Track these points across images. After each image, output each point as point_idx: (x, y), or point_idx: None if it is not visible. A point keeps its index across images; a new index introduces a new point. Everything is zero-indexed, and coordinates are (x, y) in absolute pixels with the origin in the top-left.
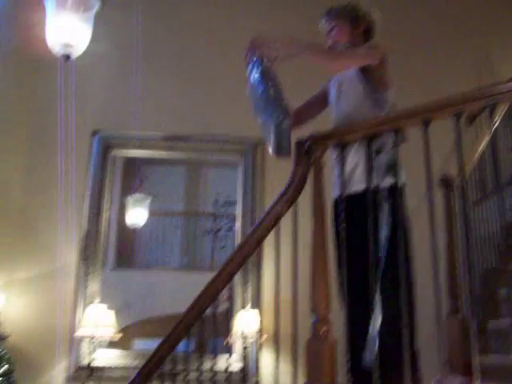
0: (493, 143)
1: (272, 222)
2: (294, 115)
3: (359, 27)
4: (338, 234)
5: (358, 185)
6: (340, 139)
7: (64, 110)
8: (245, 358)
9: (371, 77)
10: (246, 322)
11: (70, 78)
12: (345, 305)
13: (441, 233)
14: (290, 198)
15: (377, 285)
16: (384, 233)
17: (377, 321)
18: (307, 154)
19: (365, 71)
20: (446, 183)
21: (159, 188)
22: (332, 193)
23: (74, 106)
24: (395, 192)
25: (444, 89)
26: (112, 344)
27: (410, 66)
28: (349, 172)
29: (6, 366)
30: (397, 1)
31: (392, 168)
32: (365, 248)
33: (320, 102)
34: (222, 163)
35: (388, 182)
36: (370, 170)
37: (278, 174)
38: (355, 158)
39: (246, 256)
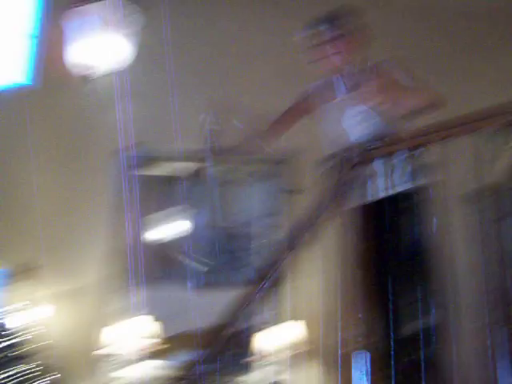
0: None
1: (308, 234)
2: (274, 126)
3: (362, 39)
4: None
5: (398, 187)
6: (385, 151)
7: (87, 129)
8: (279, 371)
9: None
10: (280, 337)
11: (94, 96)
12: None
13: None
14: (326, 210)
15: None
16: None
17: (428, 313)
18: (344, 168)
19: None
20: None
21: (189, 203)
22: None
23: (98, 125)
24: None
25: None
26: (151, 356)
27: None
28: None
29: (55, 375)
30: (430, 18)
31: (429, 168)
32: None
33: (301, 113)
34: (253, 178)
35: (427, 180)
36: (414, 173)
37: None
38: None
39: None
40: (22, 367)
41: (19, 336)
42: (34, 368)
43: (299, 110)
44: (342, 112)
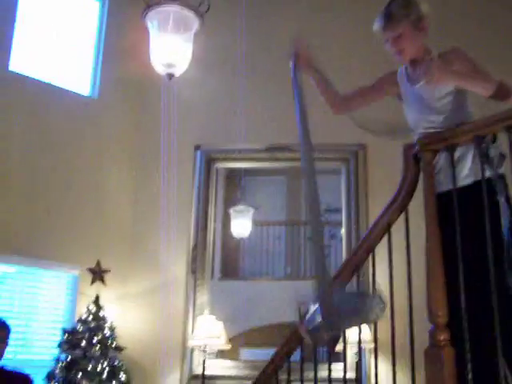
0: None
1: (383, 229)
2: (343, 101)
3: (424, 28)
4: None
5: (467, 178)
6: (450, 142)
7: (168, 126)
8: (357, 366)
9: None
10: (357, 331)
11: (173, 95)
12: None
13: None
14: (400, 204)
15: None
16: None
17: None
18: (416, 159)
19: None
20: None
21: (261, 198)
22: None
23: (177, 122)
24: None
25: None
26: (220, 354)
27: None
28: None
29: (124, 377)
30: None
31: (503, 158)
32: (482, 240)
33: (375, 95)
34: (323, 171)
35: (500, 171)
36: (483, 164)
37: (381, 178)
38: (460, 151)
39: (357, 265)
40: (92, 366)
41: (89, 337)
42: (103, 368)
43: (370, 88)
44: (415, 102)
